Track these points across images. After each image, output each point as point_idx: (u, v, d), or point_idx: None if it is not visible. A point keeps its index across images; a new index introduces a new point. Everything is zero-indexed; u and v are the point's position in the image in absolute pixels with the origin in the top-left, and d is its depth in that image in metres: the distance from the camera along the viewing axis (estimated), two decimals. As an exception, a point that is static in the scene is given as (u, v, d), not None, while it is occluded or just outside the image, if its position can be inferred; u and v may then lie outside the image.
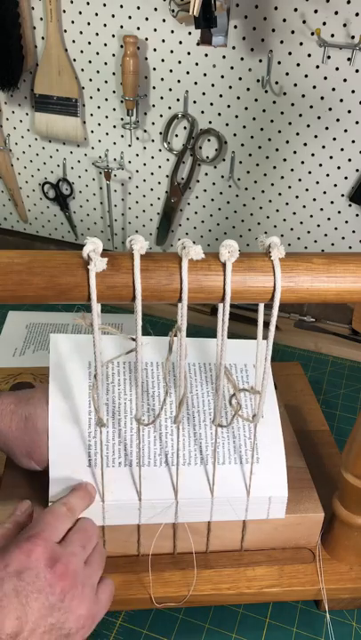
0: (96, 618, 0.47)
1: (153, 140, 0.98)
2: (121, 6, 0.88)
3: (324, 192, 0.94)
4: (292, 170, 0.94)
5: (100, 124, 1.00)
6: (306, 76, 0.86)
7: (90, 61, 0.95)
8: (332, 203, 0.95)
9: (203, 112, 0.94)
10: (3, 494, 0.58)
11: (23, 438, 0.55)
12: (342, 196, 0.94)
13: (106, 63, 0.94)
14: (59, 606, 0.43)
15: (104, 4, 0.89)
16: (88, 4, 0.90)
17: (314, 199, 0.95)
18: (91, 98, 0.98)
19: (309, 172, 0.93)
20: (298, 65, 0.85)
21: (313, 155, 0.92)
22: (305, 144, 0.91)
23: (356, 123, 0.87)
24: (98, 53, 0.93)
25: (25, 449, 0.55)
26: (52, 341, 0.59)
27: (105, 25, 0.91)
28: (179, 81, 0.92)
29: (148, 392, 0.57)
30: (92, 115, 0.99)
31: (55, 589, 0.43)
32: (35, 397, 0.56)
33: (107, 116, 0.98)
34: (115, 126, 0.99)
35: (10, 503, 0.56)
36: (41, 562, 0.44)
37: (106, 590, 0.49)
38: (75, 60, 0.95)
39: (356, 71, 0.83)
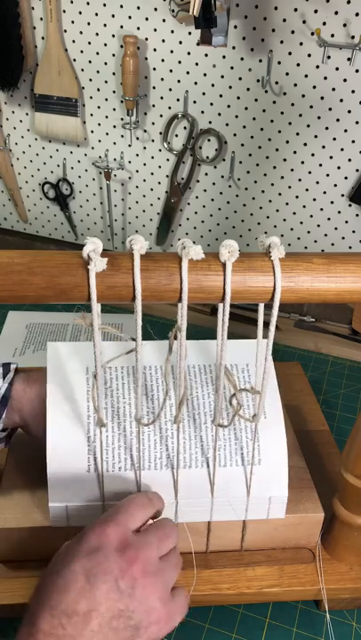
0: (173, 618, 0.46)
1: (153, 140, 0.98)
2: (121, 6, 0.88)
3: (324, 192, 0.94)
4: (292, 170, 0.94)
5: (100, 124, 1.00)
6: (306, 76, 0.86)
7: (90, 61, 0.95)
8: (332, 203, 0.95)
9: (203, 112, 0.94)
10: (3, 494, 0.58)
11: (37, 414, 0.56)
12: (342, 196, 0.94)
13: (106, 63, 0.94)
14: (129, 592, 0.42)
15: (104, 4, 0.89)
16: (88, 4, 0.90)
17: (314, 199, 0.95)
18: (91, 98, 0.98)
19: (309, 172, 0.93)
20: (298, 65, 0.85)
21: (313, 155, 0.92)
22: (305, 144, 0.91)
23: (357, 123, 0.87)
24: (98, 53, 0.93)
25: (41, 425, 0.55)
26: (49, 349, 0.58)
27: (105, 25, 0.91)
28: (179, 81, 0.92)
29: (148, 395, 0.57)
30: (92, 115, 0.99)
31: (125, 574, 0.42)
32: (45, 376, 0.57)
33: (107, 116, 0.98)
34: (115, 126, 0.99)
35: (10, 503, 0.56)
36: (112, 544, 0.43)
37: (182, 595, 0.48)
38: (75, 60, 0.95)
39: (357, 71, 0.83)
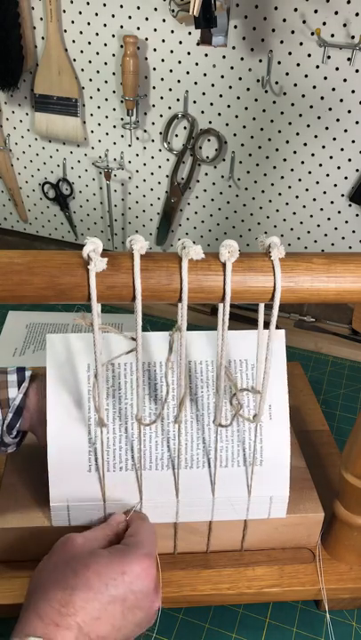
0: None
1: (153, 140, 0.98)
2: (121, 6, 0.88)
3: (324, 192, 0.94)
4: (292, 170, 0.94)
5: (100, 124, 1.00)
6: (306, 76, 0.86)
7: (90, 61, 0.95)
8: (332, 203, 0.95)
9: (203, 112, 0.94)
10: (3, 494, 0.58)
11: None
12: (342, 196, 0.94)
13: (106, 63, 0.94)
14: (143, 625, 0.46)
15: (104, 4, 0.89)
16: (88, 4, 0.90)
17: (314, 199, 0.95)
18: (91, 98, 0.98)
19: (309, 172, 0.93)
20: (298, 65, 0.85)
21: (313, 155, 0.92)
22: (305, 144, 0.91)
23: (357, 123, 0.87)
24: (98, 53, 0.93)
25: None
26: (48, 342, 0.56)
27: (105, 25, 0.91)
28: (179, 81, 0.92)
29: (151, 393, 0.56)
30: (92, 115, 0.99)
31: (150, 612, 0.46)
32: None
33: (107, 116, 0.98)
34: (115, 126, 0.99)
35: (10, 503, 0.56)
36: (152, 583, 0.46)
37: None
38: (75, 60, 0.95)
39: (357, 71, 0.83)
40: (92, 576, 0.43)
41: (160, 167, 1.01)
